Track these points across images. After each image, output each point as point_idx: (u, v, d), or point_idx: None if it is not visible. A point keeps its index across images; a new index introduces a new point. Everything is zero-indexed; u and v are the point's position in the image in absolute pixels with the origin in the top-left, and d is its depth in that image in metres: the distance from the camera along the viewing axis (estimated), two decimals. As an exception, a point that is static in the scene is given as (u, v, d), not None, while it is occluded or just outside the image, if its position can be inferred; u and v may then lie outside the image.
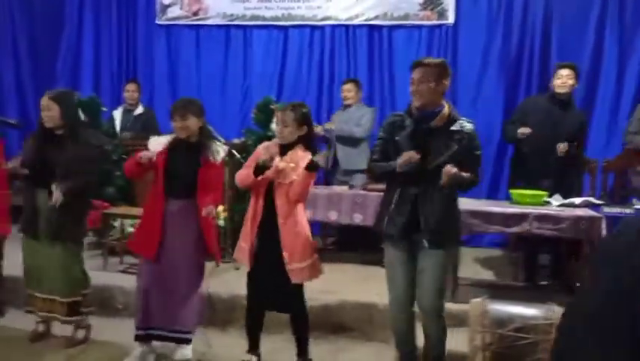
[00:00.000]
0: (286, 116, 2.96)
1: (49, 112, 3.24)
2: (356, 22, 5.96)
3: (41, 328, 3.52)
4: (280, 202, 2.94)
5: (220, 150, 3.21)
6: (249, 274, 3.10)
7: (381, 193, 4.51)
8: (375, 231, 2.94)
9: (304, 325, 3.15)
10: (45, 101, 3.26)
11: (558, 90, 4.24)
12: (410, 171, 2.60)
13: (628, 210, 3.80)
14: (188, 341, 3.24)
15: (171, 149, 3.16)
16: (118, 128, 5.48)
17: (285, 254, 2.93)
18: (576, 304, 0.66)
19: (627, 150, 4.54)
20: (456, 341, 2.88)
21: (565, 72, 4.23)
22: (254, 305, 3.15)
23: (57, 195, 3.15)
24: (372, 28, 5.96)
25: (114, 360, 3.30)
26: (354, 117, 5.09)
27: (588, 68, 5.37)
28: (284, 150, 3.00)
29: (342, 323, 3.74)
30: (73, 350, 3.41)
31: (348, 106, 5.19)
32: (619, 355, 0.58)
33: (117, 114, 5.60)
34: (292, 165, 2.92)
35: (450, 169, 2.51)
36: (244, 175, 3.03)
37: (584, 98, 5.25)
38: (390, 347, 3.48)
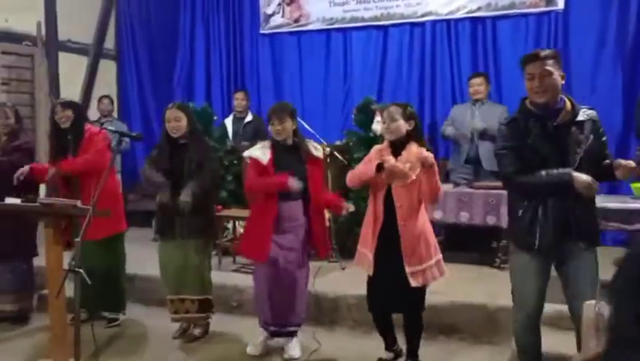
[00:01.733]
0: (393, 112, 2.95)
1: (179, 122, 3.49)
2: (458, 15, 5.82)
3: (185, 325, 3.79)
4: (400, 204, 2.93)
5: (316, 146, 3.35)
6: (370, 280, 3.08)
7: (488, 191, 4.47)
8: (511, 240, 2.74)
9: (419, 325, 3.14)
10: (174, 112, 3.51)
11: None
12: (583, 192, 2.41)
13: None
14: (295, 334, 3.39)
15: (275, 153, 3.28)
16: (230, 135, 5.78)
17: (405, 258, 2.93)
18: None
19: None
20: (567, 343, 2.74)
21: None
22: (375, 309, 3.15)
23: (186, 194, 3.39)
24: (474, 21, 5.79)
25: (231, 355, 3.49)
26: (496, 113, 4.84)
27: None
28: (396, 150, 2.98)
29: (452, 324, 3.68)
30: (193, 344, 3.65)
31: (479, 101, 5.02)
32: None
33: (228, 122, 5.91)
34: (408, 164, 2.91)
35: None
36: (361, 171, 3.00)
37: None
38: (503, 350, 3.38)
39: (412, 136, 2.98)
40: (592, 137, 2.47)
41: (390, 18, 6.07)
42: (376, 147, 3.11)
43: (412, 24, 6.00)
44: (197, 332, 3.74)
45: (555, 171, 2.43)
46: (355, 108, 5.22)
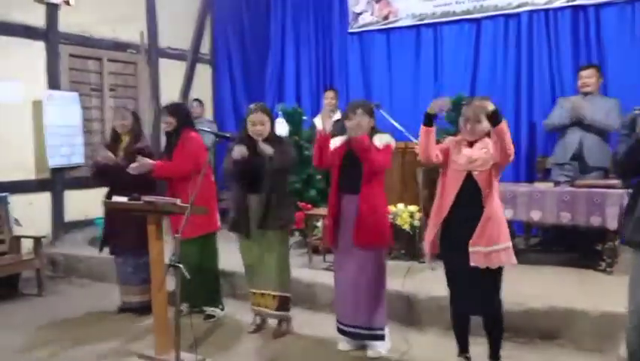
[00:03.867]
0: (478, 112, 2.84)
1: (264, 126, 3.59)
2: (557, 4, 5.52)
3: (259, 320, 3.90)
4: (483, 187, 2.83)
5: (382, 137, 3.26)
6: (450, 277, 3.02)
7: (592, 190, 4.20)
8: (623, 238, 2.56)
9: (499, 325, 3.01)
10: (260, 116, 3.59)
11: None
12: None
13: None
14: (382, 338, 3.35)
15: (347, 148, 3.29)
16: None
17: (474, 238, 2.82)
18: None
19: None
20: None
21: None
22: (455, 308, 3.08)
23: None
24: (575, 10, 5.46)
25: (317, 352, 3.52)
26: (605, 107, 4.62)
27: None
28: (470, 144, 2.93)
29: (551, 329, 3.49)
30: (280, 341, 3.71)
31: (589, 94, 4.75)
32: None
33: (318, 121, 5.96)
34: (484, 150, 2.85)
35: None
36: (420, 137, 2.92)
37: None
38: (604, 357, 3.17)
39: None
40: None
41: (483, 11, 5.87)
42: (451, 140, 3.04)
43: (507, 16, 5.77)
44: (284, 327, 3.81)
45: None
46: (447, 105, 5.09)
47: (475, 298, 2.93)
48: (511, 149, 2.76)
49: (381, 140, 3.25)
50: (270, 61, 7.15)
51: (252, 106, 3.70)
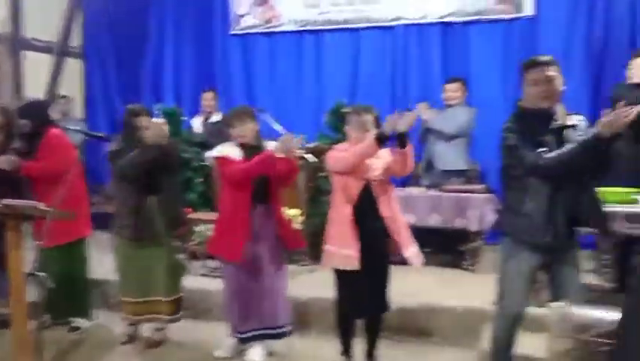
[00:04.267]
0: (366, 120, 2.97)
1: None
2: (428, 20, 5.87)
3: (131, 330, 3.71)
4: (379, 196, 3.00)
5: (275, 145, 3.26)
6: (352, 281, 3.03)
7: (460, 194, 4.51)
8: (513, 239, 2.68)
9: (381, 324, 3.17)
10: (147, 120, 3.44)
11: (632, 80, 4.06)
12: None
13: None
14: (284, 335, 3.36)
15: (244, 152, 3.24)
16: (200, 137, 5.69)
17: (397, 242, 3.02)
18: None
19: None
20: (534, 345, 2.77)
21: (638, 62, 4.02)
22: (352, 312, 3.13)
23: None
24: (445, 26, 5.85)
25: (197, 358, 3.44)
26: (460, 117, 4.94)
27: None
28: None
29: (421, 326, 3.69)
30: (154, 352, 3.56)
31: (450, 106, 5.04)
32: None
33: (196, 123, 5.83)
34: (383, 160, 3.00)
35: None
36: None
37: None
38: (471, 352, 3.41)
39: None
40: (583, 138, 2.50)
41: (362, 21, 6.08)
42: (343, 148, 3.10)
43: (384, 28, 6.03)
44: (157, 336, 3.66)
45: (583, 142, 2.39)
46: (327, 111, 5.21)
47: (377, 300, 3.05)
48: (412, 166, 2.97)
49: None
50: (148, 58, 6.85)
51: (137, 107, 3.56)
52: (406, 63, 5.96)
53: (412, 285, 3.98)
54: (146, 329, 3.70)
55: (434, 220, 4.52)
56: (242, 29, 6.53)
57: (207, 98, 5.87)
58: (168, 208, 3.46)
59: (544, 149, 2.47)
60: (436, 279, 4.32)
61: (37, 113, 3.77)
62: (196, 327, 3.88)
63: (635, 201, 3.64)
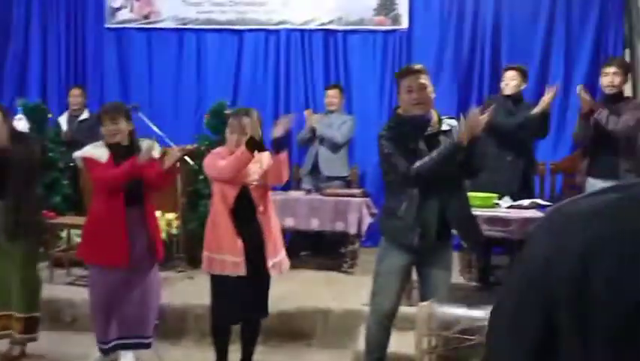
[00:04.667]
0: (245, 124, 2.90)
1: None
2: (311, 26, 5.95)
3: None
4: (257, 203, 2.98)
5: (153, 147, 3.15)
6: (228, 286, 2.95)
7: (339, 198, 4.61)
8: (387, 240, 2.81)
9: (258, 330, 3.15)
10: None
11: (504, 92, 4.36)
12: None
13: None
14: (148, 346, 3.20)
15: (112, 154, 3.06)
16: (66, 135, 5.30)
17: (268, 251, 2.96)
18: (496, 306, 0.64)
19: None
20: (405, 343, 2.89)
21: (509, 74, 4.36)
22: (229, 318, 3.06)
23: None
24: (327, 33, 5.96)
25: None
26: (336, 123, 5.09)
27: (537, 70, 5.50)
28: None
29: (298, 330, 3.70)
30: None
31: (333, 112, 5.16)
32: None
33: (63, 120, 5.43)
34: (258, 164, 2.95)
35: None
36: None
37: (533, 100, 5.35)
38: (345, 353, 3.47)
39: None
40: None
41: (245, 23, 6.02)
42: (221, 151, 3.05)
43: (268, 31, 6.02)
44: (15, 351, 3.35)
45: (443, 148, 2.59)
46: (208, 112, 5.09)
47: (256, 305, 3.02)
48: (287, 175, 2.95)
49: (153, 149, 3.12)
50: (11, 50, 6.25)
51: None
52: (289, 67, 5.99)
53: (291, 288, 4.00)
54: (3, 343, 3.36)
55: (314, 224, 4.58)
56: (118, 23, 6.18)
57: (74, 94, 5.50)
58: (16, 214, 3.13)
59: (415, 156, 2.61)
60: (315, 281, 4.38)
61: None
62: (62, 339, 3.61)
63: (495, 206, 3.93)
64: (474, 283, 4.38)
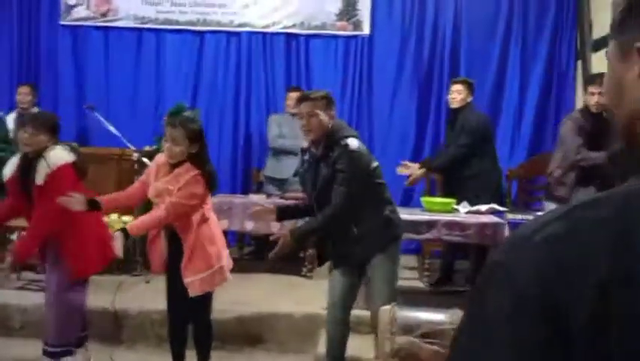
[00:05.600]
0: (177, 137, 2.78)
1: None
2: (273, 30, 5.93)
3: None
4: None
5: (42, 169, 2.85)
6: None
7: (297, 202, 4.59)
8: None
9: (209, 333, 3.08)
10: None
11: (451, 105, 4.52)
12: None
13: (530, 217, 3.99)
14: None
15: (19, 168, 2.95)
16: (12, 133, 5.11)
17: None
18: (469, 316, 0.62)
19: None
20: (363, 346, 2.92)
21: (455, 87, 4.48)
22: (171, 319, 3.05)
23: None
24: (289, 37, 5.95)
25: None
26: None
27: (494, 80, 5.66)
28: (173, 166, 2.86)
29: (257, 334, 3.67)
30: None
31: (295, 115, 5.10)
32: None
33: (10, 119, 5.22)
34: (166, 184, 2.82)
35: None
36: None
37: (489, 109, 5.49)
38: (307, 357, 3.47)
39: (194, 158, 2.86)
40: (328, 170, 2.73)
41: (206, 24, 5.95)
42: (157, 160, 2.96)
43: (229, 33, 5.97)
44: None
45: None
46: (167, 114, 5.00)
47: (188, 307, 2.94)
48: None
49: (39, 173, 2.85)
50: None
51: None
52: (250, 70, 5.95)
53: (249, 293, 3.97)
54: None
55: (275, 228, 4.53)
56: (73, 20, 6.01)
57: (22, 92, 5.31)
58: None
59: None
60: (275, 286, 4.35)
61: None
62: (11, 346, 3.49)
63: (453, 211, 4.01)
64: (430, 287, 4.44)
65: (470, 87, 4.50)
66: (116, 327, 3.56)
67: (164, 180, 2.82)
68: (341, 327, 2.88)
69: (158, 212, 2.79)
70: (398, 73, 5.77)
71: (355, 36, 5.87)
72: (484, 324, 0.57)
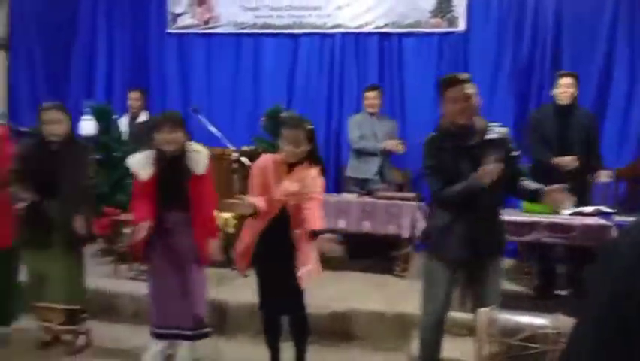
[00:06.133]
0: (299, 136, 2.87)
1: (59, 124, 3.28)
2: (366, 30, 5.97)
3: (47, 336, 3.53)
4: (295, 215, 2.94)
5: (199, 162, 3.14)
6: (260, 282, 3.08)
7: (391, 201, 4.60)
8: (427, 248, 2.89)
9: (306, 329, 3.15)
10: (55, 114, 3.28)
11: (559, 100, 4.26)
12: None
13: (640, 219, 3.73)
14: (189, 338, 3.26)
15: (158, 166, 3.11)
16: (126, 135, 5.51)
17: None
18: (581, 313, 0.64)
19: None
20: (462, 350, 2.87)
21: (564, 81, 4.25)
22: (264, 311, 3.14)
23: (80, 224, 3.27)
24: (382, 36, 5.96)
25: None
26: (386, 129, 5.12)
27: (599, 75, 5.33)
28: (291, 166, 2.94)
29: (351, 331, 3.73)
30: (77, 358, 3.42)
31: (374, 115, 5.14)
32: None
33: (123, 122, 5.63)
34: (295, 184, 2.89)
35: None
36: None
37: (595, 106, 5.20)
38: (400, 356, 3.48)
39: (310, 155, 2.96)
40: (502, 153, 2.63)
41: (301, 27, 6.11)
42: (272, 159, 3.00)
43: (323, 35, 6.08)
44: (81, 341, 3.52)
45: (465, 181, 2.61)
46: (264, 115, 5.18)
47: (285, 301, 3.02)
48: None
49: (197, 164, 3.13)
50: (78, 52, 6.56)
51: (43, 104, 3.38)
52: (343, 71, 6.03)
53: (343, 290, 4.02)
54: (67, 334, 3.53)
55: (366, 227, 4.58)
56: (179, 28, 6.39)
57: (133, 97, 5.71)
58: (67, 210, 3.28)
59: (456, 170, 2.64)
60: (367, 284, 4.38)
61: None
62: (123, 331, 3.76)
63: (555, 212, 3.84)
64: (530, 291, 4.29)
65: (578, 82, 4.31)
66: (219, 318, 3.74)
67: (291, 179, 2.90)
68: (437, 329, 2.82)
69: (317, 206, 2.90)
70: (496, 69, 5.60)
71: (450, 33, 5.77)
72: (590, 302, 0.59)
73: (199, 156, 3.14)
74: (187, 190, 3.13)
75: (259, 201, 2.86)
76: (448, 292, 2.78)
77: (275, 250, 2.96)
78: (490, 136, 2.68)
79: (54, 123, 3.27)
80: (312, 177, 2.92)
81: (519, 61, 5.57)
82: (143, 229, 3.03)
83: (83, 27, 6.55)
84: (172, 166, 3.10)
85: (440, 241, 2.75)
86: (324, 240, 2.83)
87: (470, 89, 2.61)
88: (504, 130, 2.74)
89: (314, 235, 2.80)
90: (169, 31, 6.40)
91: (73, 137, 3.45)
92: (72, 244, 3.37)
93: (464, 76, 2.66)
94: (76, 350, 3.46)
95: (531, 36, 5.55)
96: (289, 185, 2.89)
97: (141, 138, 5.21)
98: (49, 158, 3.28)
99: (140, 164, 3.11)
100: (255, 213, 2.86)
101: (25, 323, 3.73)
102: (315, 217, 2.85)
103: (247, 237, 3.02)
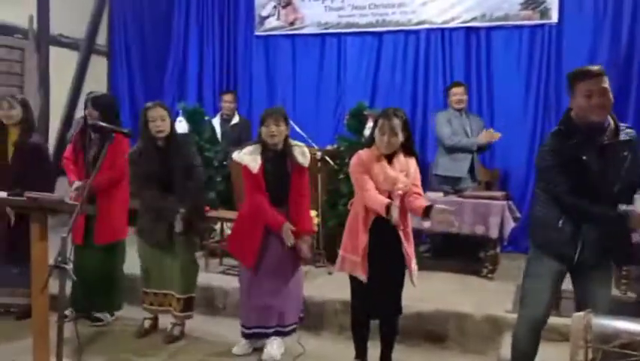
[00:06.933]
0: (395, 126, 2.88)
1: (165, 122, 3.49)
2: (452, 25, 5.84)
3: (147, 324, 3.76)
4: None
5: (305, 152, 3.31)
6: (362, 285, 3.00)
7: (478, 200, 4.48)
8: (539, 247, 2.68)
9: (396, 329, 3.17)
10: (159, 111, 3.47)
11: None
12: None
13: None
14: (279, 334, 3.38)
15: (264, 159, 3.23)
16: (219, 136, 5.74)
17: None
18: None
19: None
20: (557, 355, 2.74)
21: None
22: (363, 315, 3.13)
23: (179, 225, 3.46)
24: (469, 31, 5.81)
25: (215, 354, 3.48)
26: (474, 125, 5.04)
27: None
28: (389, 158, 2.96)
29: (436, 331, 3.67)
30: (173, 346, 3.60)
31: (461, 110, 5.03)
32: None
33: (216, 123, 5.86)
34: (403, 173, 2.96)
35: None
36: (374, 206, 2.90)
37: None
38: (487, 358, 3.39)
39: (404, 145, 2.98)
40: (631, 156, 2.47)
41: (385, 25, 6.08)
42: (368, 153, 2.99)
43: (407, 32, 6.01)
44: (176, 331, 3.70)
45: (610, 211, 2.41)
46: (348, 113, 5.21)
47: (387, 302, 3.05)
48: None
49: (304, 155, 3.30)
50: (172, 57, 6.91)
51: (148, 103, 3.58)
52: (428, 67, 5.94)
53: (430, 291, 3.97)
54: (165, 324, 3.74)
55: (453, 226, 4.47)
56: (265, 30, 6.56)
57: (227, 99, 5.90)
58: (187, 205, 3.48)
59: (582, 169, 2.44)
60: (455, 285, 4.30)
61: (109, 108, 3.84)
62: (214, 323, 3.93)
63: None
64: (631, 296, 4.02)
65: None
66: (305, 314, 3.81)
67: (395, 170, 2.93)
68: (535, 331, 2.65)
69: (421, 194, 3.01)
70: (591, 61, 5.29)
71: (542, 25, 5.54)
72: None
73: (302, 149, 3.30)
74: (290, 184, 3.25)
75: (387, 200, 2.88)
76: (553, 290, 2.64)
77: (382, 247, 2.95)
78: (622, 137, 2.48)
79: (160, 120, 3.47)
80: (415, 167, 2.98)
81: (617, 54, 5.23)
82: (287, 232, 3.17)
83: (176, 33, 6.89)
84: (277, 159, 3.23)
85: (551, 235, 2.57)
86: (438, 210, 2.79)
87: (606, 83, 2.42)
88: (632, 131, 2.53)
89: (427, 210, 2.81)
90: (256, 33, 6.59)
91: (175, 133, 3.65)
92: (190, 236, 3.59)
93: (599, 68, 2.46)
94: (172, 339, 3.65)
95: (629, 26, 5.20)
96: (399, 176, 2.92)
97: (236, 138, 5.44)
98: (157, 155, 3.49)
99: (250, 157, 3.22)
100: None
101: (125, 311, 4.01)
102: (422, 200, 2.93)
103: (354, 239, 2.99)
